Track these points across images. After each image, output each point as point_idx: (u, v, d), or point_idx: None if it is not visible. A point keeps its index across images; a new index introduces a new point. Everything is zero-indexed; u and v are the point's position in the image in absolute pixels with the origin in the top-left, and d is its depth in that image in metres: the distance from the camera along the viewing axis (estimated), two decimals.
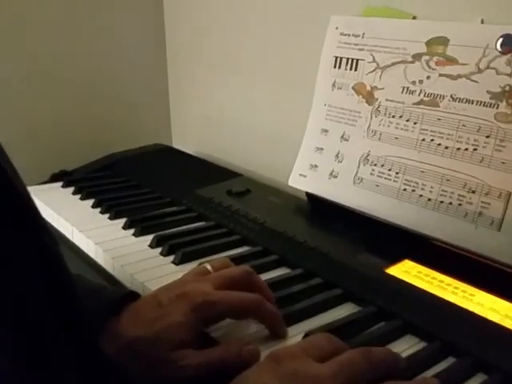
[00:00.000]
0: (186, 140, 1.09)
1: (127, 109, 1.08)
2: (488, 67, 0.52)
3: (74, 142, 1.02)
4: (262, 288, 0.47)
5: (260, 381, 0.33)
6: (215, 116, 1.01)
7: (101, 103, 1.05)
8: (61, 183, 0.87)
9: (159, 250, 0.61)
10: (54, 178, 0.90)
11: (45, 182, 0.90)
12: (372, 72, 0.63)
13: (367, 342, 0.44)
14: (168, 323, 0.40)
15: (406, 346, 0.44)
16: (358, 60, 0.65)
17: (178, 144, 1.10)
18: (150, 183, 0.84)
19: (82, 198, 0.80)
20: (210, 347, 0.41)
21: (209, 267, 0.47)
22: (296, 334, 0.45)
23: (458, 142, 0.55)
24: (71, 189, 0.83)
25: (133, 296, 0.44)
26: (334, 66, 0.68)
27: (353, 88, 0.66)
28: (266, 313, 0.43)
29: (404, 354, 0.41)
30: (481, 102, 0.53)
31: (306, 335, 0.44)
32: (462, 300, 0.47)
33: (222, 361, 0.39)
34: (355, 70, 0.65)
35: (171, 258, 0.59)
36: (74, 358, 0.29)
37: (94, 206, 0.76)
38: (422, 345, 0.44)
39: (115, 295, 0.43)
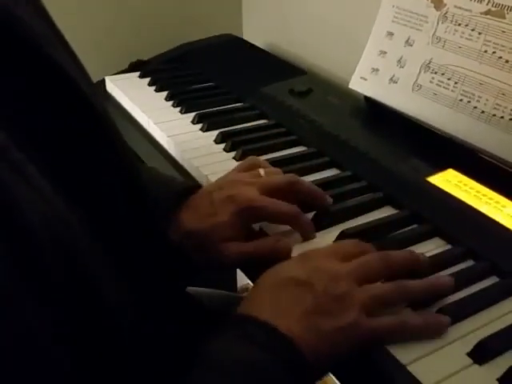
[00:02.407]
0: (256, 31, 1.10)
1: None
2: None
3: (150, 30, 1.06)
4: (308, 191, 0.52)
5: (289, 272, 0.40)
6: (286, 9, 1.00)
7: None
8: (138, 73, 0.93)
9: (223, 145, 0.68)
10: (131, 67, 0.97)
11: (123, 71, 0.97)
12: None
13: (398, 241, 0.49)
14: (217, 221, 0.48)
15: (432, 247, 0.49)
16: None
17: (249, 35, 1.12)
18: (218, 76, 0.88)
19: (156, 90, 0.86)
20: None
21: (262, 172, 0.53)
22: (334, 232, 0.51)
23: None
24: (147, 79, 0.90)
25: (193, 189, 0.51)
26: None
27: None
28: (298, 223, 0.49)
29: (428, 254, 0.46)
30: None
31: (341, 233, 0.50)
32: (493, 210, 0.51)
33: (258, 252, 0.47)
34: None
35: (233, 153, 0.66)
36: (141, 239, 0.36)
37: (167, 99, 0.82)
38: (446, 247, 0.49)
39: (180, 189, 0.51)
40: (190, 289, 0.65)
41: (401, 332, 0.39)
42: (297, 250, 0.48)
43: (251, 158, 0.57)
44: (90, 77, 0.38)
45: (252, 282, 0.55)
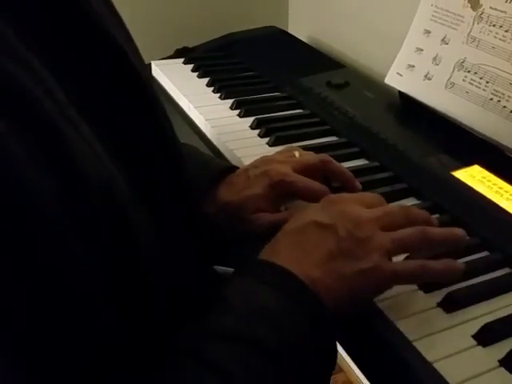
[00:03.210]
0: (301, 25, 1.13)
1: None
2: None
3: (197, 19, 1.10)
4: (339, 172, 0.54)
5: (313, 216, 0.42)
6: (330, 4, 1.02)
7: None
8: (182, 59, 0.97)
9: (258, 131, 0.71)
10: (177, 54, 1.01)
11: (169, 57, 1.01)
12: None
13: None
14: (251, 193, 0.51)
15: None
16: None
17: (293, 28, 1.14)
18: (259, 66, 0.92)
19: (199, 76, 0.90)
20: None
21: (296, 154, 0.56)
22: None
23: None
24: (191, 66, 0.94)
25: (232, 169, 0.55)
26: None
27: None
28: None
29: None
30: None
31: None
32: None
33: (287, 220, 0.49)
34: None
35: (266, 139, 0.69)
36: (182, 217, 0.39)
37: (208, 85, 0.86)
38: None
39: (219, 168, 0.54)
40: (219, 268, 0.68)
41: (421, 274, 0.41)
42: None
43: (288, 146, 0.60)
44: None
45: None
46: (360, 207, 0.43)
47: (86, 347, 0.28)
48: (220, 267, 0.70)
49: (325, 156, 0.55)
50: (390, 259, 0.41)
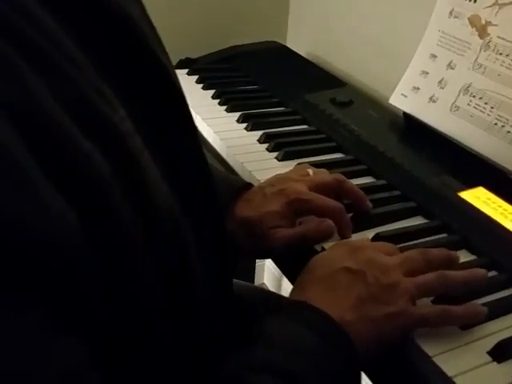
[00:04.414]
0: (300, 40, 1.15)
1: (249, 2, 1.14)
2: None
3: (198, 32, 1.11)
4: (352, 191, 0.56)
5: (343, 262, 0.44)
6: (331, 22, 1.05)
7: None
8: (186, 70, 0.98)
9: (266, 145, 0.72)
10: (180, 65, 1.02)
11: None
12: (490, 7, 0.65)
13: (428, 248, 0.53)
14: (269, 210, 0.52)
15: (460, 257, 0.53)
16: None
17: (292, 43, 1.16)
18: (264, 81, 0.93)
19: (204, 88, 0.91)
20: None
21: (310, 172, 0.57)
22: (367, 235, 0.55)
23: None
24: (195, 77, 0.95)
25: (248, 185, 0.56)
26: None
27: (468, 19, 0.68)
28: (341, 219, 0.53)
29: None
30: None
31: (376, 236, 0.54)
32: None
33: (304, 234, 0.51)
34: (474, 1, 0.67)
35: (275, 154, 0.70)
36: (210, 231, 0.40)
37: (214, 97, 0.87)
38: (472, 258, 0.53)
39: (237, 185, 0.55)
40: None
41: (444, 319, 0.43)
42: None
43: (300, 164, 0.61)
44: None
45: (285, 274, 0.59)
46: (383, 255, 0.45)
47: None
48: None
49: (339, 175, 0.57)
50: (415, 303, 0.43)
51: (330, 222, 0.52)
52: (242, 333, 0.39)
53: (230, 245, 0.47)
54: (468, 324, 0.44)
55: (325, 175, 0.57)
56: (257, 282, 1.37)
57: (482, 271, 0.46)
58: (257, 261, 1.25)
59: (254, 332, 0.39)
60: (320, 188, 0.54)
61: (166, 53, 0.39)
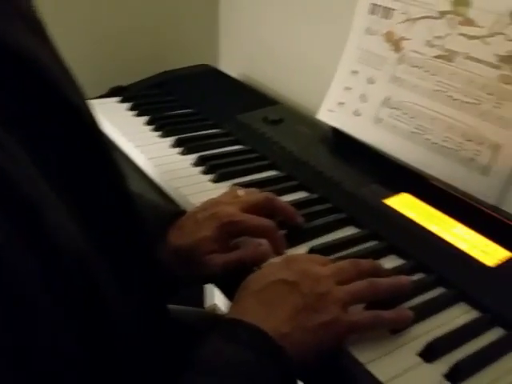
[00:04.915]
0: (232, 62, 1.17)
1: (179, 27, 1.16)
2: (499, 32, 0.58)
3: (128, 58, 1.11)
4: (283, 208, 0.58)
5: (277, 275, 0.45)
6: (261, 42, 1.08)
7: (154, 22, 1.13)
8: (118, 98, 0.98)
9: (201, 168, 0.73)
10: (111, 93, 1.02)
11: (104, 96, 1.01)
12: (402, 23, 0.69)
13: (359, 257, 0.55)
14: (201, 236, 0.52)
15: (388, 262, 0.55)
16: (392, 9, 0.71)
17: (224, 65, 1.19)
18: (197, 104, 0.94)
19: (136, 115, 0.91)
20: None
21: (241, 193, 0.58)
22: (301, 249, 0.56)
23: (465, 95, 0.62)
24: (127, 105, 0.95)
25: (180, 213, 0.57)
26: (370, 13, 0.74)
27: (384, 35, 0.72)
28: (274, 237, 0.55)
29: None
30: (489, 62, 0.59)
31: (311, 249, 0.55)
32: (441, 230, 0.58)
33: (241, 258, 0.52)
34: (388, 18, 0.71)
35: (210, 176, 0.71)
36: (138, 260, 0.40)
37: (147, 124, 0.87)
38: (400, 262, 0.55)
39: (169, 213, 0.56)
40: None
41: (376, 324, 0.45)
42: None
43: (232, 186, 0.63)
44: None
45: (228, 298, 0.60)
46: (317, 265, 0.47)
47: None
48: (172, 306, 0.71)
49: (269, 194, 0.59)
50: (347, 311, 0.44)
51: (267, 245, 0.53)
52: (178, 359, 0.39)
53: (163, 274, 0.47)
54: (397, 328, 0.46)
55: (256, 195, 0.58)
56: (208, 303, 1.36)
57: (406, 278, 0.48)
58: None
59: (189, 358, 0.39)
60: (252, 208, 0.55)
61: (79, 91, 0.39)
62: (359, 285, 0.46)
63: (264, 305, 0.43)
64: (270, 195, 0.58)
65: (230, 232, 0.54)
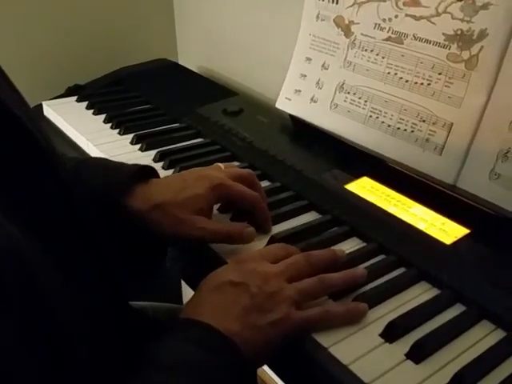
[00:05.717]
0: (190, 56, 1.16)
1: (135, 23, 1.14)
2: (445, 11, 0.59)
3: (86, 56, 1.10)
4: (260, 188, 0.58)
5: (227, 276, 0.45)
6: (216, 34, 1.07)
7: (110, 18, 1.11)
8: (75, 97, 0.96)
9: (161, 164, 0.72)
10: (68, 92, 1.00)
11: (61, 96, 0.99)
12: (350, 7, 0.70)
13: (321, 242, 0.56)
14: (192, 193, 0.52)
15: (350, 246, 0.56)
16: None
17: (183, 60, 1.17)
18: (155, 99, 0.93)
19: (94, 113, 0.90)
20: None
21: (222, 166, 0.59)
22: (264, 237, 0.57)
23: (416, 76, 0.63)
24: (85, 103, 0.93)
25: (151, 169, 0.56)
26: None
27: (333, 20, 0.72)
28: (261, 209, 0.55)
29: (347, 252, 0.53)
30: (437, 42, 0.60)
31: (271, 238, 0.56)
32: (400, 211, 0.58)
33: (229, 233, 0.52)
34: (336, 3, 0.71)
35: (171, 171, 0.70)
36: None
37: (105, 122, 0.86)
38: (362, 245, 0.56)
39: (138, 166, 0.55)
40: (135, 303, 0.68)
41: (326, 320, 0.45)
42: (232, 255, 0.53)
43: (214, 165, 0.62)
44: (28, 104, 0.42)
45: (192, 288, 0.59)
46: (267, 263, 0.47)
47: None
48: (136, 302, 0.70)
49: (250, 170, 0.60)
50: (299, 308, 0.45)
51: (253, 229, 0.53)
52: (137, 355, 0.39)
53: (150, 234, 0.49)
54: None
55: (238, 169, 0.59)
56: (187, 298, 1.36)
57: (360, 271, 0.49)
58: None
59: (146, 354, 0.39)
60: (238, 178, 0.56)
61: (18, 95, 0.38)
62: (309, 281, 0.46)
63: (216, 305, 0.43)
64: (252, 171, 0.58)
65: (219, 194, 0.53)
